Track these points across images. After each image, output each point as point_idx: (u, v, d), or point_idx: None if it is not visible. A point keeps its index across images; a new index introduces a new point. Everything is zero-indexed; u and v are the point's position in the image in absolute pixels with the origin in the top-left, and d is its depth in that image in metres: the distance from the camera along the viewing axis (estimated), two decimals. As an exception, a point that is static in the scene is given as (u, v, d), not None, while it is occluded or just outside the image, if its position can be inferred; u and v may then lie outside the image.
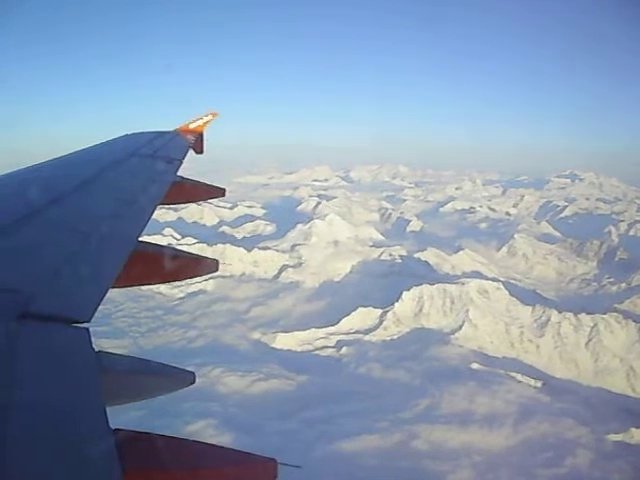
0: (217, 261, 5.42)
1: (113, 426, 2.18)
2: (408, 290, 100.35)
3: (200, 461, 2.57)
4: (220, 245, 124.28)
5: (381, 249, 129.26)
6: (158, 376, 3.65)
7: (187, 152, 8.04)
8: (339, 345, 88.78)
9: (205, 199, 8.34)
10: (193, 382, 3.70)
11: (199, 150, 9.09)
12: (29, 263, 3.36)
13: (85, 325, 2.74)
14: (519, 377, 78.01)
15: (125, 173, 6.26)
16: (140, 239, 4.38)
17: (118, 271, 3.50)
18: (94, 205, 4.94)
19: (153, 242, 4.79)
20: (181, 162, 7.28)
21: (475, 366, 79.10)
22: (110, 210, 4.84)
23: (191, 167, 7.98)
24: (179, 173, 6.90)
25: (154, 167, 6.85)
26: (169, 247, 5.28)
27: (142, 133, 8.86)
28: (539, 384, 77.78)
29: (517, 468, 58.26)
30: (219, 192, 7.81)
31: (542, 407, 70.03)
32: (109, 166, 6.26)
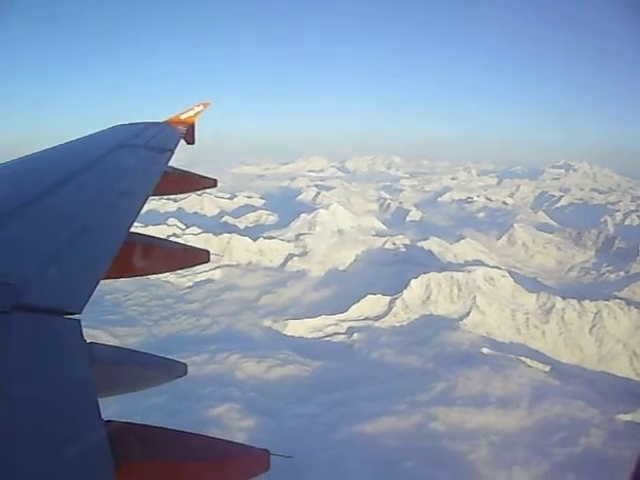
0: (208, 252, 5.39)
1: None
2: (416, 278, 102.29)
3: (193, 452, 2.59)
4: (226, 235, 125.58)
5: (384, 238, 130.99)
6: (150, 367, 3.67)
7: (178, 143, 8.07)
8: (350, 332, 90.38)
9: (197, 190, 8.44)
10: (185, 373, 3.74)
11: (190, 141, 9.07)
12: (20, 255, 3.42)
13: (77, 316, 2.77)
14: (528, 362, 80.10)
15: (116, 164, 6.30)
16: (132, 230, 4.38)
17: (109, 262, 3.53)
18: (85, 196, 4.95)
19: (144, 233, 4.83)
20: (172, 153, 7.31)
21: (486, 351, 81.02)
22: (101, 201, 4.88)
23: (184, 157, 8.09)
24: (170, 163, 6.96)
25: (145, 158, 6.87)
26: (160, 238, 5.26)
27: (133, 124, 8.86)
28: (547, 368, 79.83)
29: (534, 447, 60.13)
30: (210, 183, 7.82)
31: (553, 390, 71.99)
32: (100, 157, 6.29)
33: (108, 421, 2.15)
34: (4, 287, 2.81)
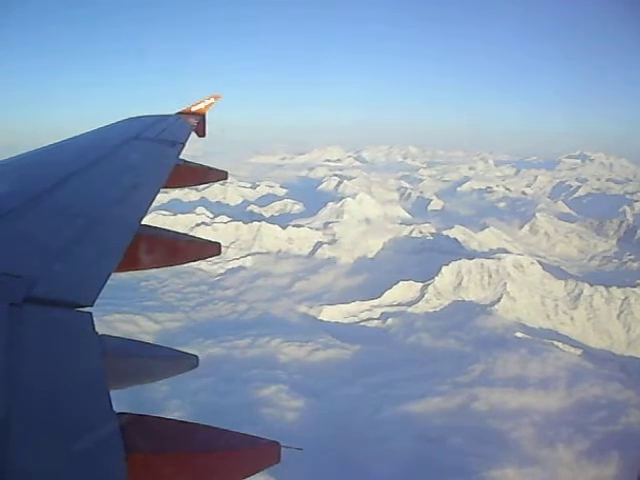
0: (219, 244, 5.29)
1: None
2: (446, 265, 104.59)
3: (203, 444, 2.61)
4: (255, 223, 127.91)
5: (410, 227, 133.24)
6: (161, 360, 3.69)
7: (189, 135, 8.06)
8: (384, 317, 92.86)
9: (208, 182, 8.26)
10: (196, 366, 3.71)
11: (201, 133, 9.01)
12: (32, 248, 3.44)
13: (88, 309, 2.80)
14: (560, 346, 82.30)
15: (127, 157, 6.28)
16: (143, 223, 4.38)
17: (121, 255, 3.56)
18: (96, 189, 4.99)
19: (156, 226, 4.79)
20: (183, 145, 7.30)
21: (520, 335, 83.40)
22: (112, 194, 4.90)
23: (198, 148, 8.94)
24: (183, 155, 6.97)
25: (156, 150, 6.90)
26: (172, 231, 5.18)
27: (144, 116, 8.84)
28: (579, 352, 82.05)
29: (575, 426, 62.51)
30: (221, 175, 7.72)
31: (587, 373, 74.28)
32: (111, 150, 6.31)
33: (119, 413, 2.18)
34: (16, 280, 2.86)
